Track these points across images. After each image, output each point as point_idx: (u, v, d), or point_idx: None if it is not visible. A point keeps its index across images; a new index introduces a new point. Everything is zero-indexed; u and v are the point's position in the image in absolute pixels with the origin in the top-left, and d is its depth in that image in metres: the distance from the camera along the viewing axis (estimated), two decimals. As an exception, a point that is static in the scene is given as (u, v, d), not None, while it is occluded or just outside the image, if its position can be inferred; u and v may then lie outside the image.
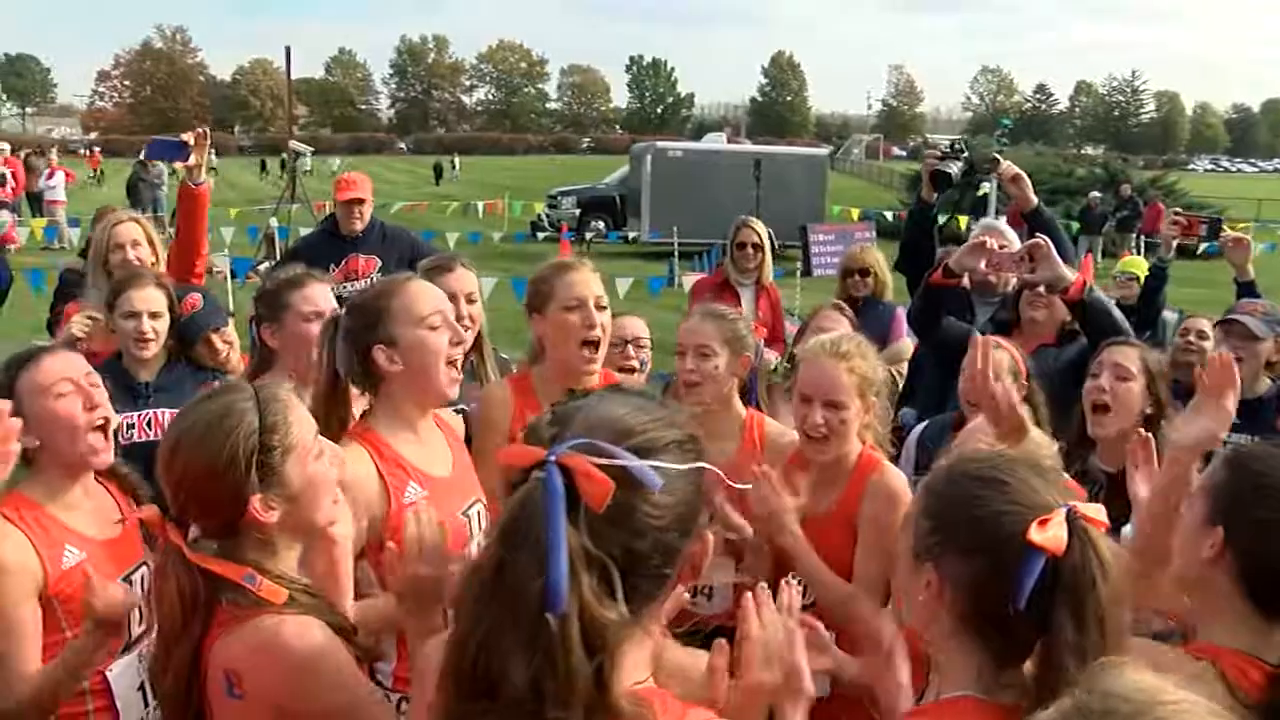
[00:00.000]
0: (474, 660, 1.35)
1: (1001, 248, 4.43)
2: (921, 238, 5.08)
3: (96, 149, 66.31)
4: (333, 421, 2.75)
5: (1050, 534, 1.61)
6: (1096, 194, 28.03)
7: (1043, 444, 2.85)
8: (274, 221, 18.47)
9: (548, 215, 29.21)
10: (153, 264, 4.67)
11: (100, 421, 2.79)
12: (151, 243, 4.77)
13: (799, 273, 15.63)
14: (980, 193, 17.06)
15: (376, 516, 2.65)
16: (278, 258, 13.04)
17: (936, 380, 4.36)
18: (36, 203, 25.45)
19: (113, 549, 2.77)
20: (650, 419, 1.44)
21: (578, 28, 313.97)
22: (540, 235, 28.19)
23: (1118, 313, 4.10)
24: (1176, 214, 5.85)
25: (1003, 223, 5.49)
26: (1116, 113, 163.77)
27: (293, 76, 26.05)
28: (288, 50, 24.69)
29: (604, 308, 3.39)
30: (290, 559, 2.18)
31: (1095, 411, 3.64)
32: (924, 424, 4.15)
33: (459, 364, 2.82)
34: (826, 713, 3.03)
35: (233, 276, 16.92)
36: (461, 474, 2.92)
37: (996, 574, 1.64)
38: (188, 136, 5.08)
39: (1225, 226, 5.75)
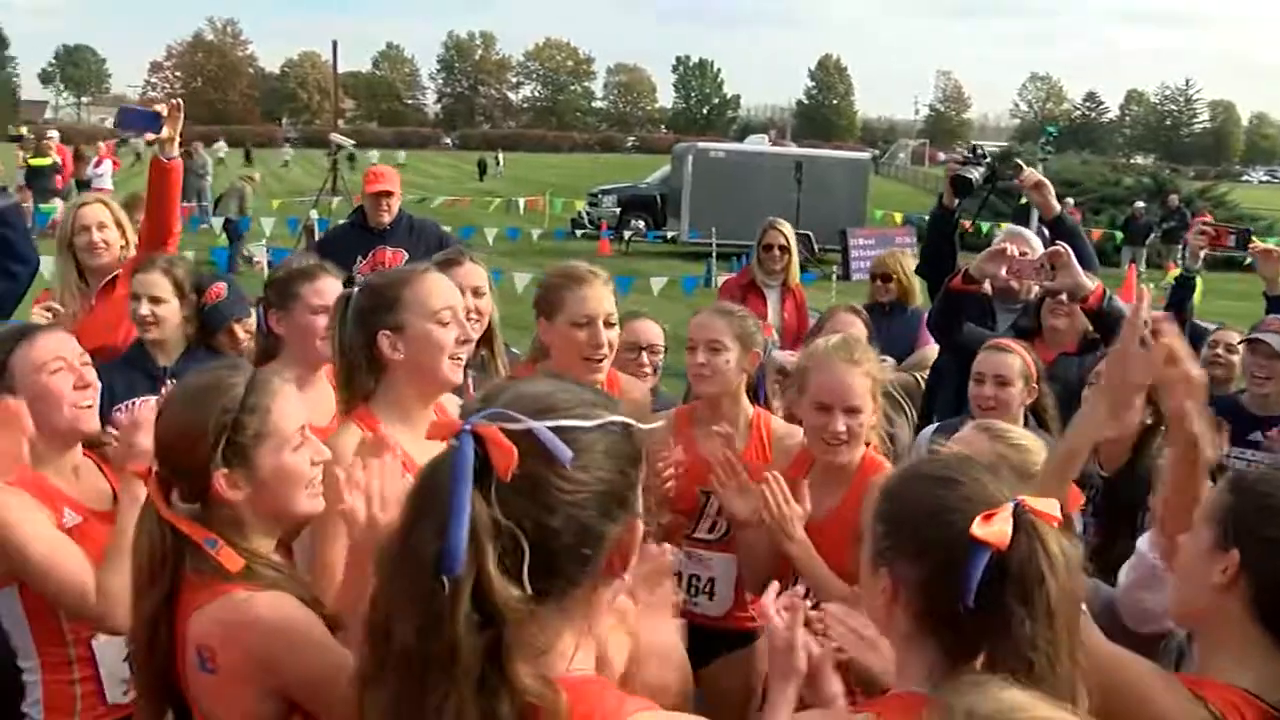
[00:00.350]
0: (381, 617, 1.37)
1: (1023, 254, 4.38)
2: (942, 243, 5.04)
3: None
4: (355, 396, 2.79)
5: (994, 528, 1.59)
6: (1141, 204, 27.69)
7: (1034, 447, 2.82)
8: (314, 213, 18.66)
9: (588, 213, 29.26)
10: (121, 247, 4.75)
11: (88, 401, 2.86)
12: (120, 225, 4.80)
13: (835, 276, 15.55)
14: (1022, 201, 16.91)
15: None
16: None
17: (955, 388, 4.32)
18: (87, 190, 25.86)
19: (106, 520, 2.80)
20: (576, 398, 1.43)
21: (625, 27, 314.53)
22: (579, 233, 28.25)
23: (1139, 325, 4.02)
24: (1205, 224, 5.67)
25: (1028, 230, 5.41)
26: (1168, 122, 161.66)
27: (340, 70, 26.32)
28: (334, 44, 25.09)
29: (613, 325, 3.37)
30: (263, 543, 2.21)
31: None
32: (934, 426, 4.11)
33: (464, 360, 2.83)
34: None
35: (270, 267, 17.13)
36: None
37: (946, 572, 1.62)
38: (161, 108, 4.87)
39: (1255, 238, 5.61)
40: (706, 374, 3.50)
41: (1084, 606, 2.73)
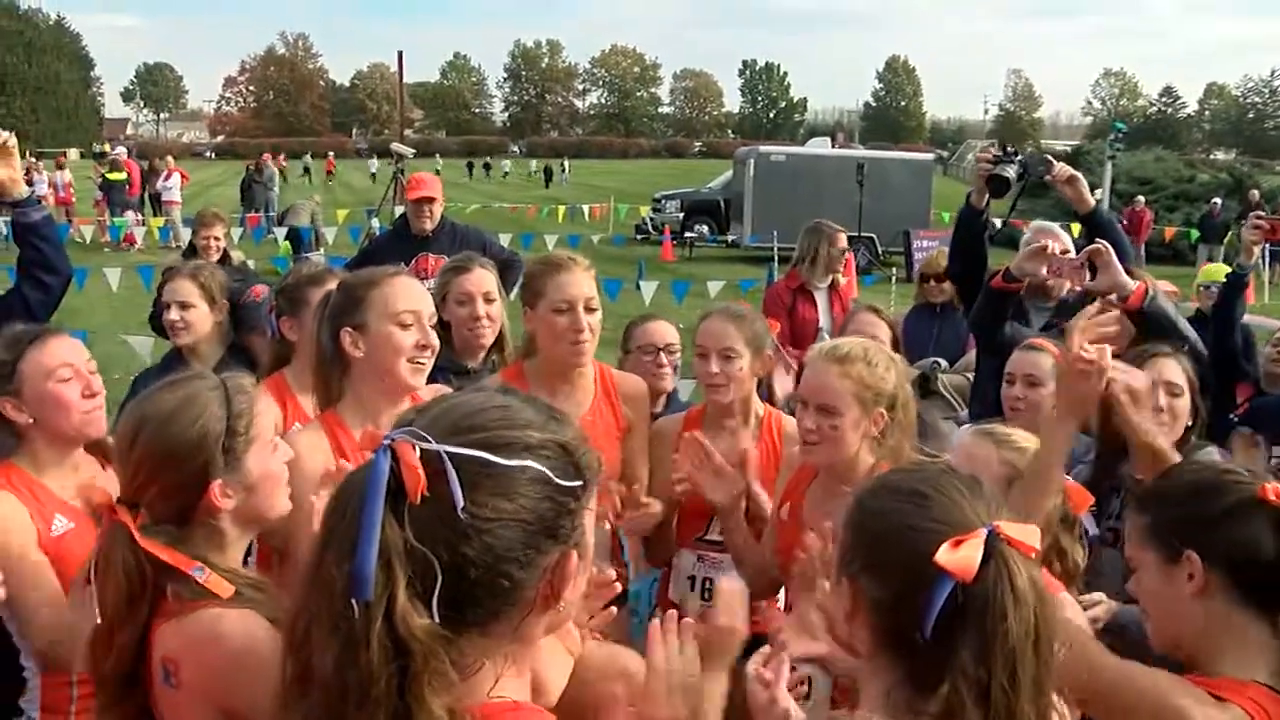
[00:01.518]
0: (299, 643, 1.31)
1: (1063, 252, 4.24)
2: (972, 243, 4.88)
3: (330, 154, 67.90)
4: (333, 392, 2.85)
5: (961, 556, 1.46)
6: (1218, 200, 26.98)
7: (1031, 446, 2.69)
8: (375, 222, 18.83)
9: (652, 219, 29.29)
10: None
11: (96, 409, 2.86)
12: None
13: (894, 278, 15.34)
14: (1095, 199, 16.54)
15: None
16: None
17: (994, 390, 4.18)
18: (158, 204, 26.44)
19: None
20: (504, 416, 1.35)
21: (691, 32, 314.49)
22: (641, 238, 28.26)
23: (1183, 323, 3.86)
24: (1259, 217, 5.31)
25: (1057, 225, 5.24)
26: (1251, 115, 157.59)
27: (408, 81, 26.67)
28: (399, 54, 25.30)
29: (594, 310, 3.33)
30: (237, 553, 2.18)
31: None
32: (968, 427, 3.97)
33: (425, 365, 2.84)
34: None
35: (331, 275, 17.34)
36: None
37: (906, 596, 1.50)
38: None
39: None
40: (721, 382, 3.43)
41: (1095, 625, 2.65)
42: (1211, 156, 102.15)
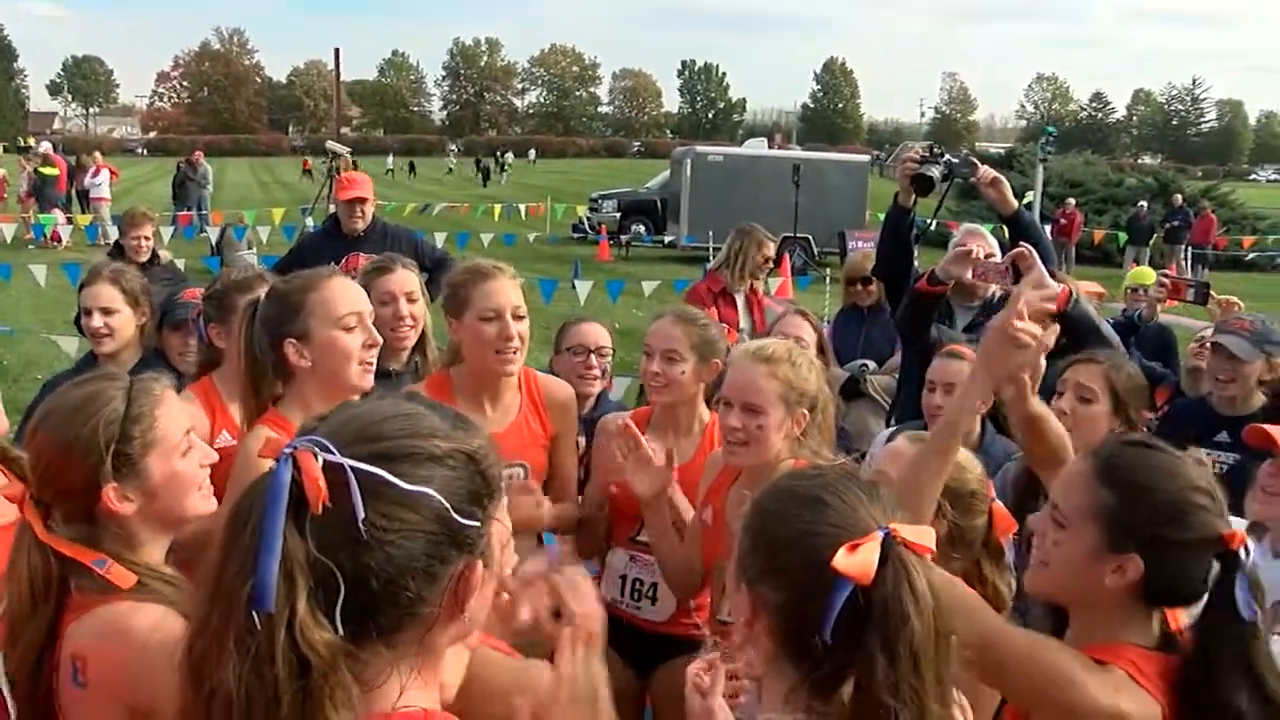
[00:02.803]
0: (199, 659, 1.27)
1: (988, 256, 4.30)
2: (898, 243, 4.94)
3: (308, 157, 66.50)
4: (263, 401, 2.79)
5: (857, 559, 1.48)
6: (1144, 204, 27.57)
7: (968, 465, 2.71)
8: (310, 221, 18.58)
9: (588, 218, 29.25)
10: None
11: None
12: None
13: (828, 279, 15.43)
14: (1025, 201, 16.78)
15: None
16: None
17: (914, 395, 4.23)
18: (86, 200, 25.83)
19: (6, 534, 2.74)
20: (408, 425, 1.33)
21: (631, 32, 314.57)
22: (578, 237, 28.23)
23: (1106, 327, 3.92)
24: (1164, 275, 5.78)
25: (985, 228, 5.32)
26: (1175, 121, 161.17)
27: (346, 78, 26.48)
28: (336, 52, 25.09)
29: (521, 317, 3.28)
30: (154, 551, 2.14)
31: None
32: (891, 430, 4.01)
33: (373, 365, 2.80)
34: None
35: (263, 275, 17.09)
36: None
37: (805, 600, 1.52)
38: None
39: (1213, 291, 5.58)
40: (660, 384, 3.42)
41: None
42: (1139, 161, 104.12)
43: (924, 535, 1.55)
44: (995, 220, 6.21)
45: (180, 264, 9.35)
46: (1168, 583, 2.00)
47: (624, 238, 27.31)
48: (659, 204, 29.16)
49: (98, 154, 27.77)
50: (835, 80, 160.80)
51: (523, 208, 30.11)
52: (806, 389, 2.90)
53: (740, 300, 6.76)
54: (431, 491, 1.29)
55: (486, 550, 1.36)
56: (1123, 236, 26.29)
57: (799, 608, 1.53)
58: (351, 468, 1.25)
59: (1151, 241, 26.45)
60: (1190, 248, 26.51)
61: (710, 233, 22.86)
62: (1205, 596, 1.99)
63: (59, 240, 22.34)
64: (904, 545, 1.52)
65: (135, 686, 1.91)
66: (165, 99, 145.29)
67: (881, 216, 17.54)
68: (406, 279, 4.00)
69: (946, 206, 5.42)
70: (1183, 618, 2.07)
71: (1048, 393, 4.02)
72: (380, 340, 2.84)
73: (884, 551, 1.50)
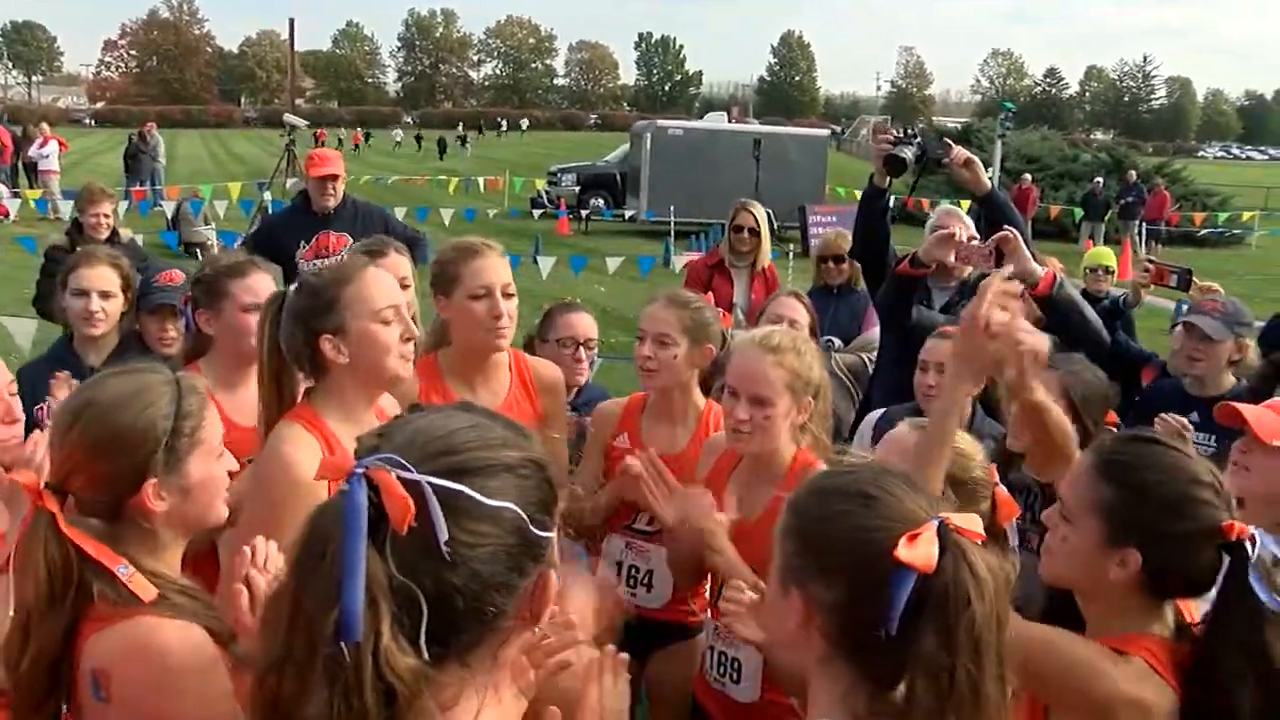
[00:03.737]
0: (275, 693, 1.23)
1: (970, 239, 4.32)
2: (875, 223, 4.94)
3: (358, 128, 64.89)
4: (283, 402, 2.72)
5: (920, 550, 1.48)
6: (1100, 180, 27.84)
7: (971, 452, 2.73)
8: (268, 195, 18.36)
9: (547, 192, 29.08)
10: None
11: (14, 436, 2.72)
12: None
13: (791, 254, 15.47)
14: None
15: None
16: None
17: (895, 376, 4.25)
18: (33, 173, 25.19)
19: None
20: (479, 437, 1.31)
21: (587, 3, 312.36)
22: (537, 213, 28.10)
23: (1089, 310, 3.95)
24: (1150, 261, 5.83)
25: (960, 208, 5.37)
26: (1127, 98, 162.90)
27: (300, 49, 26.04)
28: (291, 22, 24.68)
29: (511, 295, 3.25)
30: (172, 558, 2.08)
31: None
32: (881, 412, 4.03)
33: (410, 357, 2.74)
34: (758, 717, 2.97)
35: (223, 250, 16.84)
36: None
37: (865, 595, 1.51)
38: None
39: (1195, 278, 5.63)
40: (652, 368, 3.40)
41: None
42: (1092, 137, 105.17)
43: (972, 522, 1.55)
44: (953, 194, 6.24)
45: (139, 240, 9.15)
46: (1170, 574, 2.05)
47: (584, 212, 27.19)
48: (618, 178, 29.07)
49: (45, 124, 27.12)
50: (792, 53, 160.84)
51: (480, 181, 29.86)
52: (812, 377, 2.91)
53: (742, 277, 6.71)
54: (511, 504, 1.27)
55: (552, 557, 1.35)
56: (1078, 212, 26.54)
57: (857, 604, 1.52)
58: (431, 484, 1.22)
59: (1107, 217, 26.73)
60: (1144, 224, 26.82)
61: (671, 207, 22.85)
62: (1216, 587, 2.03)
63: (6, 214, 21.84)
64: (958, 532, 1.53)
65: (161, 705, 1.86)
66: (112, 68, 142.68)
67: (842, 191, 17.60)
68: (399, 264, 3.95)
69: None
70: (1197, 610, 2.12)
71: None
72: (416, 332, 2.78)
73: (941, 540, 1.51)
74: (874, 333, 5.94)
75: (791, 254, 15.96)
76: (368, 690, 1.18)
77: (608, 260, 13.82)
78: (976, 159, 4.72)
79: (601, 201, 28.50)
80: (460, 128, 71.75)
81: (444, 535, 1.21)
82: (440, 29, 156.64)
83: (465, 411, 1.37)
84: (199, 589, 2.07)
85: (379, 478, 1.22)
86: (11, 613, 1.94)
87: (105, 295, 4.02)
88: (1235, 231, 29.75)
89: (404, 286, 3.90)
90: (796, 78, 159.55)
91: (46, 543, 1.91)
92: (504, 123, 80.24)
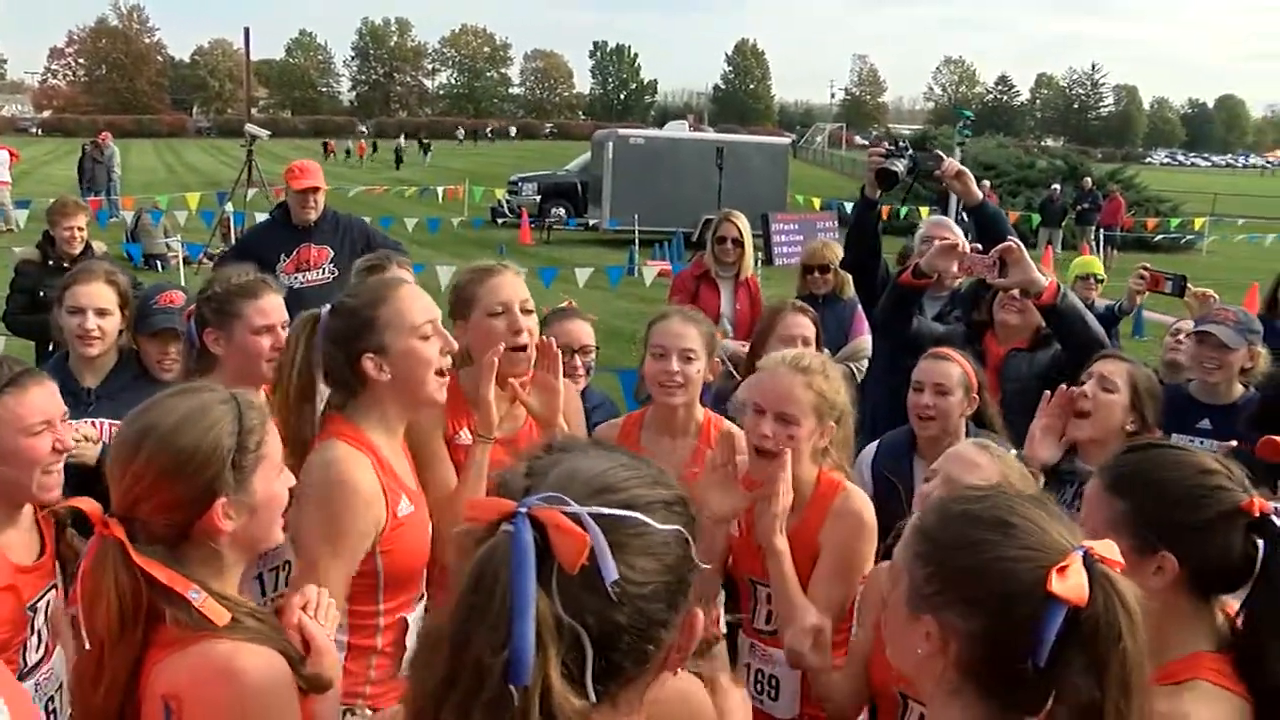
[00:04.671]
0: None
1: (974, 249, 4.34)
2: (867, 235, 4.96)
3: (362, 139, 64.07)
4: (305, 425, 2.70)
5: (1071, 583, 1.44)
6: (1057, 186, 28.20)
7: (1016, 468, 2.69)
8: (229, 206, 18.10)
9: (508, 201, 29.00)
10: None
11: (58, 467, 2.66)
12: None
13: (758, 261, 15.48)
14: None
15: (377, 533, 2.58)
16: (233, 242, 12.77)
17: (892, 382, 4.25)
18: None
19: (29, 575, 2.60)
20: (633, 475, 1.29)
21: (542, 12, 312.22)
22: (500, 221, 27.95)
23: (1091, 319, 3.99)
24: (1144, 268, 5.95)
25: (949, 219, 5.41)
26: (1076, 105, 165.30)
27: (253, 58, 25.59)
28: (246, 31, 24.32)
29: (530, 311, 3.21)
30: (233, 579, 2.04)
31: (1076, 415, 3.56)
32: (876, 444, 3.99)
33: (447, 371, 2.75)
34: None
35: (186, 263, 16.64)
36: None
37: (1010, 628, 1.47)
38: None
39: (1189, 283, 5.77)
40: (679, 382, 3.37)
41: None
42: (1044, 144, 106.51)
43: (1112, 550, 1.52)
44: (931, 203, 6.23)
45: (104, 248, 8.97)
46: (1209, 568, 2.00)
47: (547, 221, 27.13)
48: (579, 186, 29.02)
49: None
50: (746, 61, 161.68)
51: (440, 190, 29.69)
52: (837, 401, 2.89)
53: (726, 287, 6.73)
54: (673, 531, 1.25)
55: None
56: (1035, 218, 26.85)
57: (1002, 636, 1.48)
58: (597, 516, 1.20)
59: (1064, 223, 27.06)
60: (1100, 229, 27.19)
61: (635, 216, 22.83)
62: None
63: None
64: (1104, 563, 1.49)
65: None
66: (60, 76, 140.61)
67: (801, 199, 17.65)
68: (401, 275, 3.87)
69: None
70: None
71: (1037, 380, 4.09)
72: (455, 346, 2.79)
73: (1087, 570, 1.48)
74: (860, 341, 5.96)
75: (758, 262, 15.97)
76: None
77: (577, 271, 13.80)
78: (967, 170, 4.75)
79: (563, 210, 28.44)
80: (402, 139, 71.14)
81: (612, 575, 1.18)
82: (394, 38, 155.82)
83: (603, 449, 1.35)
84: (266, 611, 2.04)
85: (546, 516, 1.19)
86: (81, 644, 1.88)
87: (102, 313, 3.90)
88: (1189, 237, 30.20)
89: None
90: (751, 85, 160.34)
91: (116, 572, 1.87)
92: (462, 132, 79.90)
